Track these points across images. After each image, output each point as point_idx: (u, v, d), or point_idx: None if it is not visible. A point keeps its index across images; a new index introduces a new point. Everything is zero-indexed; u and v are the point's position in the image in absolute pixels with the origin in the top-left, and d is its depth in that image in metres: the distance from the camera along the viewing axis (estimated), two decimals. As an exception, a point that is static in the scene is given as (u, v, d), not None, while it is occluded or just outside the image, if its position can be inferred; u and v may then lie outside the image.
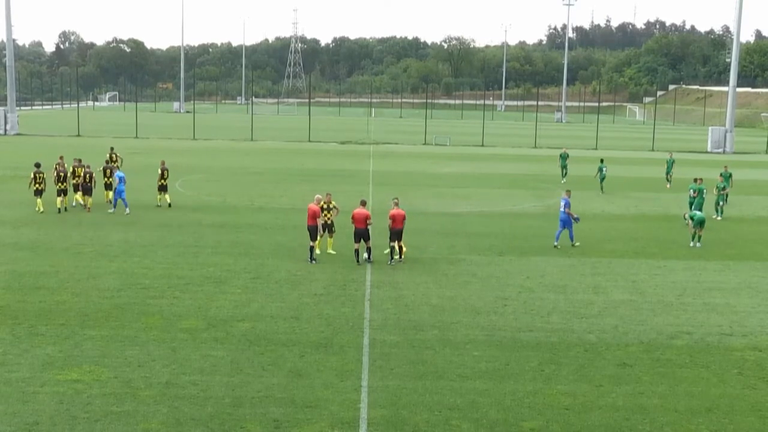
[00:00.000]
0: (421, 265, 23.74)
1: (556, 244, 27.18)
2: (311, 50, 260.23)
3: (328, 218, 24.59)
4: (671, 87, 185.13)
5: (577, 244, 27.41)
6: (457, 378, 14.77)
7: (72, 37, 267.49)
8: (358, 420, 12.85)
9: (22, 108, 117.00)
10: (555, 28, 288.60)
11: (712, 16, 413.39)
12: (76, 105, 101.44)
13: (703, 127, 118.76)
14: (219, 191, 39.31)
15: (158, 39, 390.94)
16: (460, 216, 33.85)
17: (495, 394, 14.09)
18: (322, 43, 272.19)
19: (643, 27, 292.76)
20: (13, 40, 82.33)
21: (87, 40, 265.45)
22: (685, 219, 28.73)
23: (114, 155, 38.22)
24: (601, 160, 44.06)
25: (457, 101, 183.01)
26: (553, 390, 14.34)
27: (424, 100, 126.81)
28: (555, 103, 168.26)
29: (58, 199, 31.98)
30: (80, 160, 33.72)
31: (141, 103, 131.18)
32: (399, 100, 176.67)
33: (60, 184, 31.85)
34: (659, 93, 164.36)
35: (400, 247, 24.01)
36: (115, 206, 32.24)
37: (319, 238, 24.29)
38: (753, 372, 15.62)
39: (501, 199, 39.49)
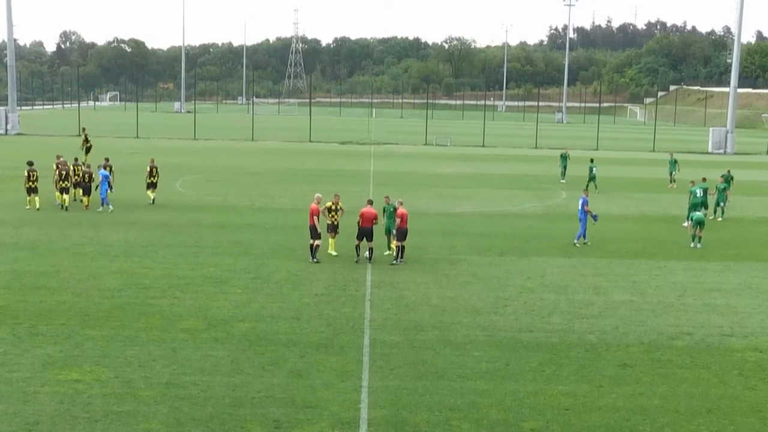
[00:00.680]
0: (421, 266, 23.74)
1: (576, 242, 27.54)
2: (312, 50, 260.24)
3: (335, 219, 24.59)
4: (672, 88, 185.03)
5: (588, 243, 27.51)
6: (458, 378, 14.77)
7: (73, 37, 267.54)
8: (358, 420, 12.85)
9: (23, 108, 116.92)
10: (556, 29, 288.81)
11: (713, 17, 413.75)
12: (77, 105, 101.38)
13: (704, 127, 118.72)
14: (219, 191, 39.31)
15: (159, 39, 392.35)
16: (461, 216, 33.86)
17: (495, 394, 14.09)
18: (323, 44, 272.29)
19: (644, 27, 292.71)
20: (14, 40, 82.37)
21: (88, 39, 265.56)
22: (688, 220, 28.83)
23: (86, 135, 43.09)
24: (591, 160, 44.58)
25: (458, 102, 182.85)
26: (553, 390, 14.34)
27: (425, 101, 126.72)
28: (556, 104, 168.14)
29: (61, 197, 32.40)
30: (76, 159, 34.59)
31: (142, 103, 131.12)
32: (400, 101, 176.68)
33: (62, 182, 32.22)
34: (660, 94, 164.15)
35: (402, 248, 24.03)
36: (103, 204, 32.20)
37: (329, 239, 24.47)
38: (753, 373, 15.62)
39: (502, 199, 39.49)
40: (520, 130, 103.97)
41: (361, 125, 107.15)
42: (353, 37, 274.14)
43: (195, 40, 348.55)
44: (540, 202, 39.12)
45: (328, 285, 21.16)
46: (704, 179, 33.50)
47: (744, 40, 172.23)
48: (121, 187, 36.43)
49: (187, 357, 15.45)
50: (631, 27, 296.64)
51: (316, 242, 23.87)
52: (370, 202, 24.53)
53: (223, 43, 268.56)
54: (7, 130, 75.98)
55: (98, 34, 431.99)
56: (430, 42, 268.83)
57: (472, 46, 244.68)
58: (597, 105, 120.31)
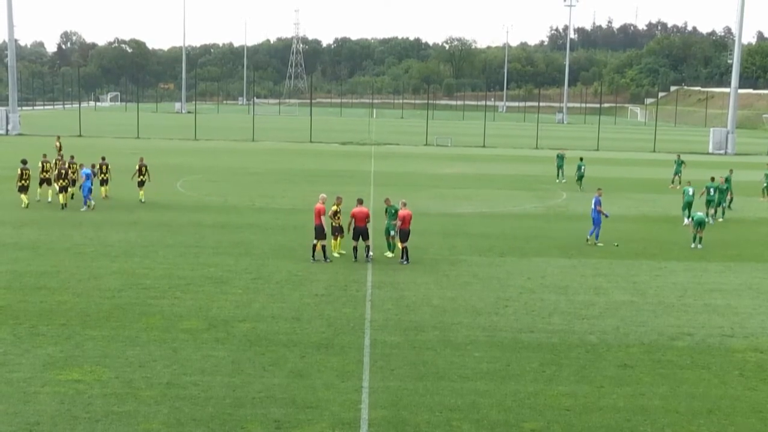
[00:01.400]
0: (422, 266, 23.74)
1: (588, 237, 27.87)
2: (313, 51, 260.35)
3: (340, 221, 24.56)
4: (673, 88, 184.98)
5: (600, 244, 27.56)
6: (458, 379, 14.77)
7: (74, 38, 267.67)
8: (358, 421, 12.85)
9: (24, 108, 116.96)
10: (556, 29, 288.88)
11: (713, 18, 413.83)
12: (78, 105, 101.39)
13: (704, 128, 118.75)
14: (220, 191, 39.32)
15: (160, 39, 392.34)
16: (462, 217, 33.86)
17: (496, 395, 14.08)
18: (324, 44, 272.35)
19: (645, 28, 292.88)
20: (15, 40, 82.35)
21: (89, 40, 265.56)
22: (688, 219, 28.87)
23: (58, 144, 44.28)
24: (581, 158, 45.00)
25: (459, 102, 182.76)
26: (554, 391, 14.34)
27: (426, 101, 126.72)
28: (556, 104, 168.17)
29: (60, 195, 32.74)
30: (72, 157, 36.04)
31: (142, 103, 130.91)
32: (400, 101, 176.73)
33: (61, 180, 32.41)
34: (661, 94, 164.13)
35: (405, 249, 24.03)
36: (86, 202, 32.26)
37: (335, 240, 24.50)
38: (754, 373, 15.61)
39: (502, 200, 39.49)
40: (520, 131, 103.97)
41: (362, 126, 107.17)
42: (354, 38, 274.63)
43: (196, 40, 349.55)
44: (540, 202, 39.12)
45: (329, 285, 21.16)
46: (712, 178, 33.70)
47: (745, 40, 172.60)
48: (121, 188, 36.48)
49: (187, 357, 15.45)
50: (631, 27, 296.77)
51: (321, 242, 23.87)
52: (360, 201, 24.50)
53: (223, 44, 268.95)
54: (7, 130, 76.03)
55: (99, 35, 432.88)
56: (430, 42, 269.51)
57: (473, 47, 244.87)
58: (597, 105, 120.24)
